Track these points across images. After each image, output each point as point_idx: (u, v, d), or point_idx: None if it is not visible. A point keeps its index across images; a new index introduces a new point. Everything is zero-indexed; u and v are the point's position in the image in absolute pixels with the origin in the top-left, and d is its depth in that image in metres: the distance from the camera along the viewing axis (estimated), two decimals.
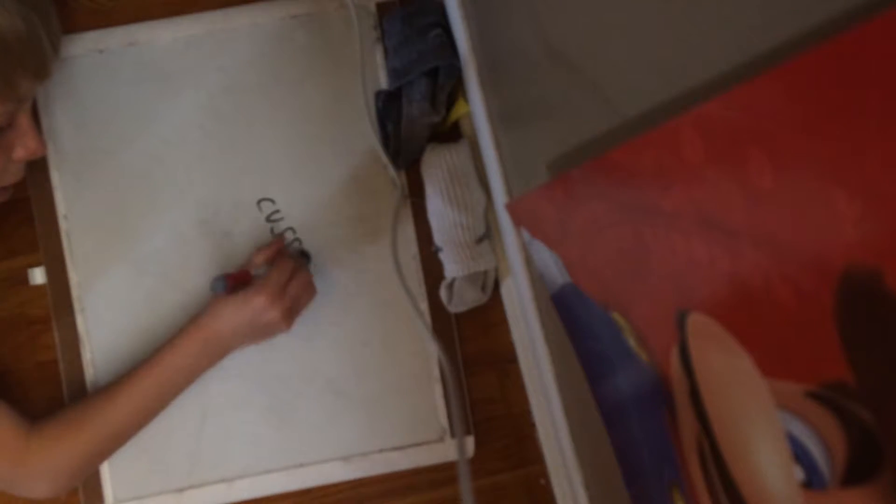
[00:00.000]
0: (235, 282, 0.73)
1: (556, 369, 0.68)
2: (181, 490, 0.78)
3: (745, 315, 0.32)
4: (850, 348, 0.26)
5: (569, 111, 0.52)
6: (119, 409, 0.71)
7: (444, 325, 0.81)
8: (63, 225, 0.78)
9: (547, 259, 0.58)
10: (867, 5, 0.23)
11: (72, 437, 0.70)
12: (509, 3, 0.60)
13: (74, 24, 0.78)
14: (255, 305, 0.71)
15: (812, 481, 0.31)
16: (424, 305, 0.81)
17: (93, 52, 0.79)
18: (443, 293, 0.79)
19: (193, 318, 0.73)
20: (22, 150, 0.68)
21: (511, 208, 0.67)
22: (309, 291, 0.76)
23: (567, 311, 0.58)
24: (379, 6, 0.81)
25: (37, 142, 0.68)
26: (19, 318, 0.79)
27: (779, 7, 0.28)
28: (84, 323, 0.78)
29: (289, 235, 0.79)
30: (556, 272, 0.57)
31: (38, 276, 0.78)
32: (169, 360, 0.72)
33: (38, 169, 0.77)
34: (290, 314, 0.73)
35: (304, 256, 0.79)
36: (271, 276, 0.72)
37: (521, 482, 0.82)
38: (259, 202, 0.79)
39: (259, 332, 0.73)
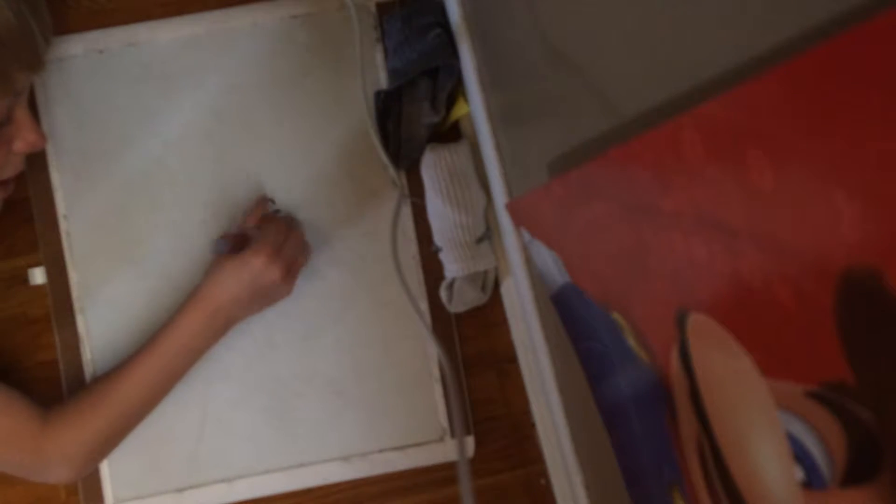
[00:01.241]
0: (236, 241, 0.73)
1: (556, 369, 0.68)
2: (181, 490, 0.78)
3: (745, 315, 0.32)
4: (850, 348, 0.26)
5: (569, 111, 0.52)
6: (130, 391, 0.71)
7: (444, 325, 0.81)
8: (63, 225, 0.78)
9: (547, 259, 0.58)
10: (867, 5, 0.23)
11: (86, 420, 0.71)
12: (509, 2, 0.60)
13: (74, 24, 0.79)
14: (253, 266, 0.70)
15: (812, 481, 0.31)
16: (424, 305, 0.81)
17: (93, 52, 0.79)
18: (443, 293, 0.79)
19: (193, 293, 0.73)
20: (22, 143, 0.68)
21: (511, 208, 0.67)
22: (305, 251, 0.76)
23: (567, 311, 0.58)
24: (379, 6, 0.81)
25: (36, 134, 0.68)
26: (19, 318, 0.79)
27: (779, 7, 0.28)
28: (84, 323, 0.78)
29: (271, 203, 0.79)
30: (556, 272, 0.57)
31: (38, 276, 0.78)
32: (174, 339, 0.72)
33: (38, 169, 0.77)
34: (290, 274, 0.73)
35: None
36: (266, 235, 0.72)
37: (521, 482, 0.82)
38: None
39: (261, 297, 0.73)
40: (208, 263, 0.76)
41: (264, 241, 0.71)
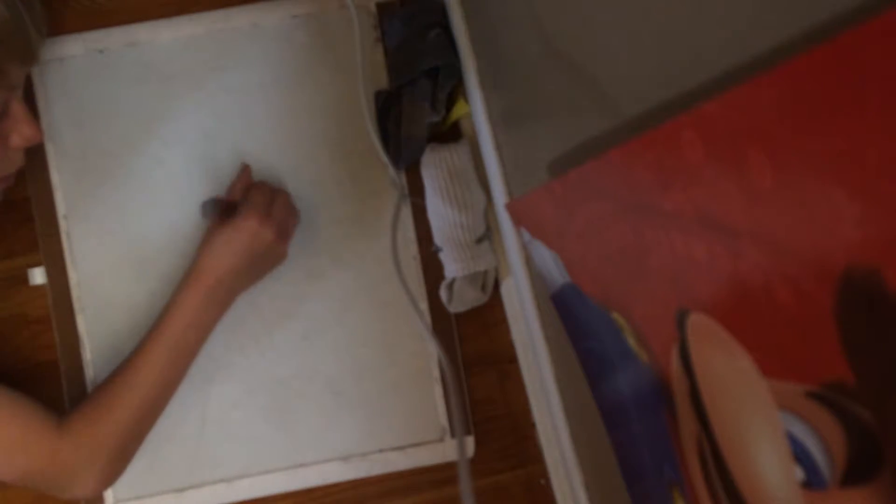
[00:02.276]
0: (225, 207, 0.72)
1: (556, 369, 0.68)
2: (181, 490, 0.78)
3: (745, 315, 0.32)
4: (850, 348, 0.26)
5: (569, 111, 0.52)
6: (143, 378, 0.70)
7: (444, 325, 0.81)
8: (63, 225, 0.78)
9: (547, 259, 0.58)
10: (867, 5, 0.23)
11: (103, 415, 0.68)
12: (509, 2, 0.60)
13: (74, 24, 0.79)
14: (246, 230, 0.70)
15: (812, 481, 0.31)
16: (424, 305, 0.81)
17: (93, 52, 0.79)
18: (443, 293, 0.79)
19: (189, 269, 0.72)
20: (18, 138, 0.67)
21: (511, 208, 0.67)
22: (293, 213, 0.76)
23: (567, 311, 0.58)
24: (379, 6, 0.81)
25: (32, 128, 0.67)
26: (19, 318, 0.79)
27: (779, 7, 0.28)
28: (84, 323, 0.78)
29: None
30: (556, 272, 0.57)
31: (38, 276, 0.78)
32: (178, 318, 0.71)
33: (38, 169, 0.77)
34: (283, 235, 0.73)
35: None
36: (253, 198, 0.72)
37: (521, 482, 0.82)
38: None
39: (258, 261, 0.73)
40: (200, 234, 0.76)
41: (252, 204, 0.71)
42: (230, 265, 0.71)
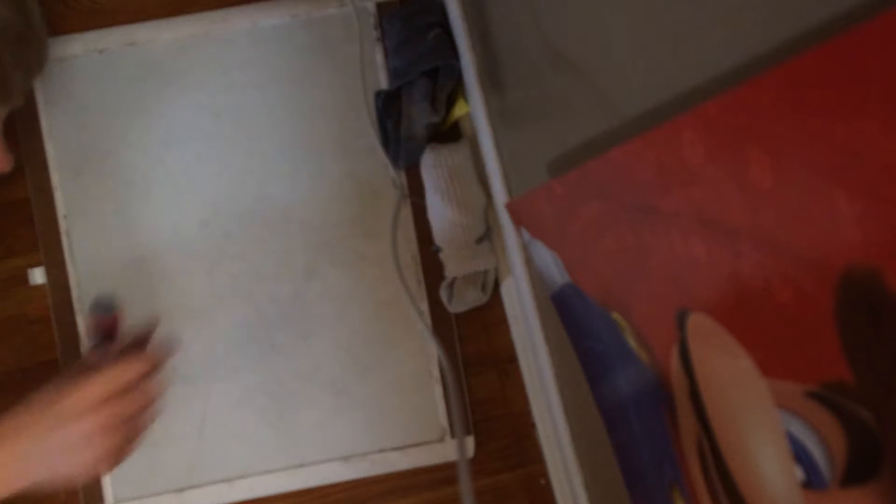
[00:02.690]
0: (108, 327, 0.55)
1: (556, 369, 0.68)
2: (181, 490, 0.78)
3: (745, 315, 0.32)
4: (850, 348, 0.26)
5: (569, 111, 0.52)
6: None
7: (444, 325, 0.81)
8: (63, 225, 0.78)
9: (547, 259, 0.58)
10: (867, 5, 0.23)
11: None
12: (509, 3, 0.60)
13: (74, 24, 0.79)
14: (63, 403, 0.50)
15: (812, 481, 0.31)
16: (424, 305, 0.81)
17: (93, 52, 0.79)
18: (443, 293, 0.79)
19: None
20: None
21: (511, 208, 0.67)
22: (149, 415, 0.54)
23: (567, 311, 0.58)
24: (379, 6, 0.81)
25: (2, 161, 0.67)
26: (19, 318, 0.79)
27: (779, 7, 0.28)
28: (84, 323, 0.78)
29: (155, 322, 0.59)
30: (556, 272, 0.57)
31: (38, 276, 0.78)
32: None
33: (38, 169, 0.77)
34: (106, 437, 0.51)
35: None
36: (109, 371, 0.51)
37: (521, 482, 0.82)
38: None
39: (60, 448, 0.50)
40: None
41: (102, 376, 0.51)
42: (37, 432, 0.51)
